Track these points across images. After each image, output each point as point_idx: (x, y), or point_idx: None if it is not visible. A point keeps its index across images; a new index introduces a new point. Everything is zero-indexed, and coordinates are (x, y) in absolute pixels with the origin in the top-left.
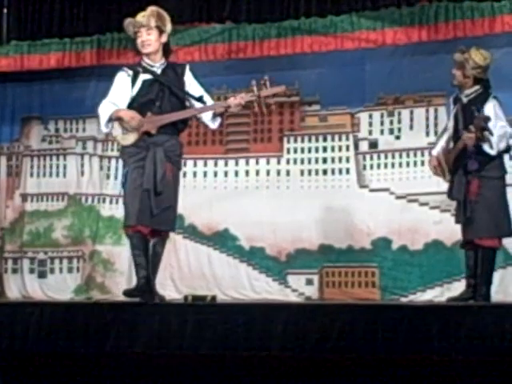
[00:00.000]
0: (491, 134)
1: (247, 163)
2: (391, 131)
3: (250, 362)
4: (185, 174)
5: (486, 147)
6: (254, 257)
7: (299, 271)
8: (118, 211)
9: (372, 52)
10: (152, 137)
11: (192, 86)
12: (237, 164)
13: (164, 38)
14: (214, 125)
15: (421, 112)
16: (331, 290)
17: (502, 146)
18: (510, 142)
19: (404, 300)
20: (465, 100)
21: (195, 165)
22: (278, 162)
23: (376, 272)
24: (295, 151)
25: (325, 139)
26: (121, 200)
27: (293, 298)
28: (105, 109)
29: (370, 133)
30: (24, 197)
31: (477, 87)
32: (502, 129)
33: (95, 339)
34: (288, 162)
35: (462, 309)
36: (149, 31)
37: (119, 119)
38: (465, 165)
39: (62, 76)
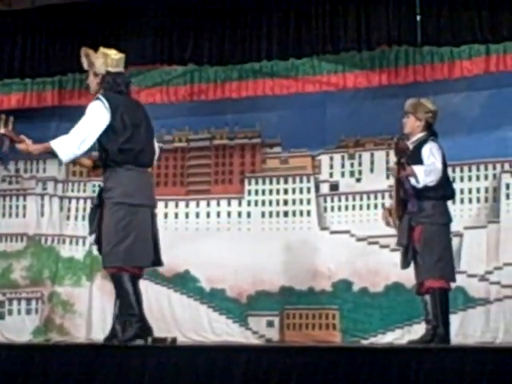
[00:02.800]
0: (408, 163)
1: (208, 205)
2: (352, 174)
3: None
4: None
5: (412, 181)
6: (215, 298)
7: (260, 313)
8: (77, 252)
9: (333, 95)
10: None
11: None
12: (198, 205)
13: (98, 78)
14: None
15: (381, 155)
16: (292, 332)
17: (429, 180)
18: (437, 177)
19: (365, 342)
20: (410, 147)
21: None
22: (239, 204)
23: (336, 314)
24: (256, 193)
25: (286, 181)
26: (81, 241)
27: (253, 340)
28: None
29: (331, 175)
30: None
31: (424, 133)
32: (432, 164)
33: (53, 382)
34: (249, 203)
35: (423, 351)
36: (88, 73)
37: None
38: (409, 213)
39: (22, 116)
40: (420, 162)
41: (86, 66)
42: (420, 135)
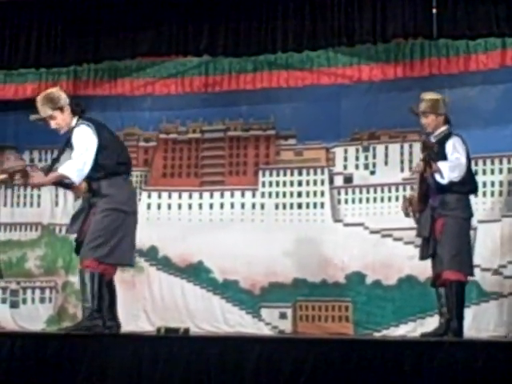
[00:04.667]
0: (433, 160)
1: (222, 196)
2: (366, 166)
3: None
4: (159, 206)
5: (437, 177)
6: (228, 290)
7: (273, 305)
8: None
9: (348, 87)
10: None
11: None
12: (212, 197)
13: (67, 110)
14: None
15: (395, 148)
16: (305, 323)
17: (454, 176)
18: (462, 173)
19: (377, 335)
20: (434, 141)
21: (170, 197)
22: (253, 196)
23: (349, 306)
24: (270, 185)
25: (300, 173)
26: None
27: (266, 331)
28: None
29: (345, 167)
30: None
31: (446, 127)
32: (456, 160)
33: (67, 371)
34: (263, 195)
35: (435, 344)
36: (51, 118)
37: None
38: (431, 206)
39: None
40: (444, 156)
41: (47, 112)
42: (442, 129)
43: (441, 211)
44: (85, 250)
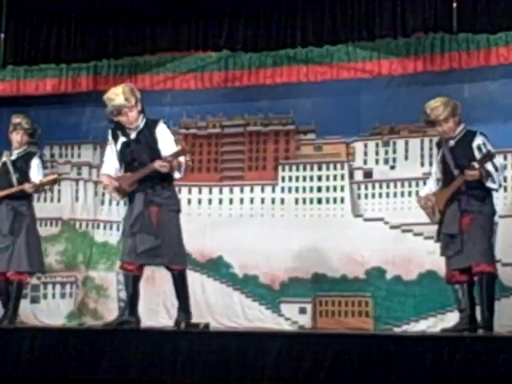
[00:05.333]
0: (497, 169)
1: (242, 191)
2: (386, 161)
3: None
4: None
5: (489, 183)
6: (248, 285)
7: (292, 300)
8: (111, 237)
9: (368, 82)
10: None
11: (162, 141)
12: (231, 192)
13: (139, 107)
14: (177, 176)
15: (416, 142)
16: (324, 319)
17: (501, 178)
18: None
19: (397, 330)
20: (452, 143)
21: (190, 192)
22: (273, 191)
23: (370, 302)
24: (290, 180)
25: (320, 168)
26: (115, 226)
27: (286, 326)
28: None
29: (365, 162)
30: None
31: (461, 127)
32: (500, 164)
33: (87, 365)
34: (283, 190)
35: (456, 340)
36: (131, 109)
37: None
38: (458, 202)
39: (57, 101)
40: (469, 155)
41: (131, 101)
42: (459, 129)
43: (468, 207)
44: (175, 254)
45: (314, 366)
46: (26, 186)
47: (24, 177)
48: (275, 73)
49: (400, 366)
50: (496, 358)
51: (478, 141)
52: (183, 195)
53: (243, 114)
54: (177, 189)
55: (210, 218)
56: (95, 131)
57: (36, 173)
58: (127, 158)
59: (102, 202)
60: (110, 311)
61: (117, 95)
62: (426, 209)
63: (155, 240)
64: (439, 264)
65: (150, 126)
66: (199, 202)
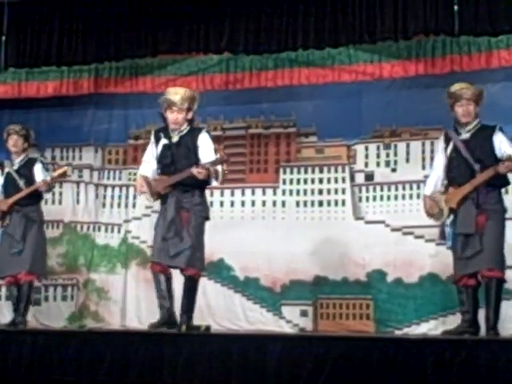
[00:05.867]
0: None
1: (243, 193)
2: (387, 164)
3: None
4: None
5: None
6: (249, 287)
7: (294, 302)
8: (112, 240)
9: (369, 85)
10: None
11: (202, 151)
12: (233, 194)
13: (190, 115)
14: (214, 183)
15: (417, 145)
16: (325, 321)
17: None
18: None
19: (398, 333)
20: (467, 135)
21: None
22: (274, 193)
23: (371, 304)
24: (291, 182)
25: (321, 171)
26: (116, 228)
27: (287, 329)
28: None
29: (366, 165)
30: None
31: (478, 120)
32: None
33: (88, 368)
34: (284, 192)
35: (457, 342)
36: (180, 111)
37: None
38: (473, 200)
39: (59, 104)
40: (488, 149)
41: (184, 105)
42: (476, 122)
43: (484, 205)
44: (195, 259)
45: (315, 368)
46: (39, 185)
47: (30, 183)
48: (276, 75)
49: (401, 368)
50: (497, 361)
51: (500, 134)
52: None
53: (244, 116)
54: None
55: (211, 220)
56: (96, 133)
57: (41, 177)
58: (166, 161)
59: (103, 205)
60: (111, 314)
61: (176, 93)
62: (432, 208)
63: (184, 244)
64: (440, 267)
65: (194, 132)
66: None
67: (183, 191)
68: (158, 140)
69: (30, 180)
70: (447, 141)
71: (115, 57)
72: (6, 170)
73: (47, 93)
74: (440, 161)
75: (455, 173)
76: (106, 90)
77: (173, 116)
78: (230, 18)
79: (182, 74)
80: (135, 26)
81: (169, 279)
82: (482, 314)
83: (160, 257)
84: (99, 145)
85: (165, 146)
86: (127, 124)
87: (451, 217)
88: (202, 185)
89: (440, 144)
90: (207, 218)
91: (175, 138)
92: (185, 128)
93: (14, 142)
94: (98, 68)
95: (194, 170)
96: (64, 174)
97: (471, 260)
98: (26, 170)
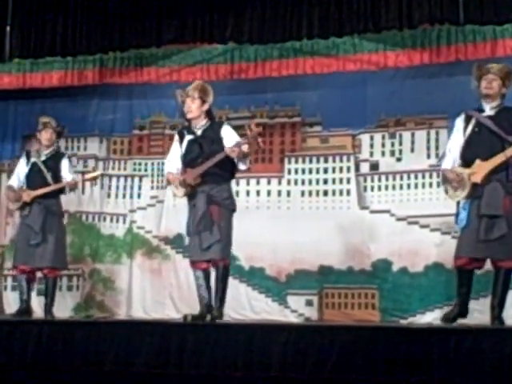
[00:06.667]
0: None
1: (248, 183)
2: (392, 153)
3: (249, 383)
4: None
5: None
6: (254, 277)
7: (299, 292)
8: (118, 230)
9: (374, 74)
10: (199, 186)
11: (227, 139)
12: (238, 184)
13: (206, 107)
14: (243, 167)
15: (422, 134)
16: (331, 311)
17: None
18: None
19: (404, 322)
20: (491, 112)
21: None
22: (279, 183)
23: (376, 294)
24: (296, 172)
25: (326, 160)
26: (121, 218)
27: (292, 318)
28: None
29: (371, 154)
30: None
31: (501, 101)
32: None
33: (94, 358)
34: (289, 182)
35: (462, 332)
36: (193, 101)
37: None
38: (505, 177)
39: (64, 94)
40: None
41: (194, 95)
42: (500, 102)
43: (509, 189)
44: (223, 248)
45: (321, 358)
46: (67, 183)
47: (56, 177)
48: (281, 65)
49: (406, 358)
50: (502, 350)
51: None
52: None
53: (249, 106)
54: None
55: None
56: (101, 124)
57: (67, 173)
58: (194, 154)
59: (109, 195)
60: (116, 304)
61: (192, 84)
62: (453, 182)
63: (215, 237)
64: (445, 256)
65: (215, 126)
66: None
67: (212, 185)
68: (182, 138)
69: (56, 174)
70: (467, 120)
71: (120, 47)
72: (32, 160)
73: (52, 83)
74: (458, 140)
75: (480, 148)
76: (110, 81)
77: (186, 105)
78: (235, 7)
79: (187, 64)
80: (140, 16)
81: (208, 274)
82: (487, 303)
83: (194, 253)
84: (104, 135)
85: (190, 141)
86: (132, 114)
87: (462, 202)
88: (229, 176)
89: (459, 124)
90: (234, 211)
91: (199, 132)
92: (206, 122)
93: (48, 135)
94: (103, 58)
95: (228, 149)
96: (95, 179)
97: (493, 243)
98: (54, 163)
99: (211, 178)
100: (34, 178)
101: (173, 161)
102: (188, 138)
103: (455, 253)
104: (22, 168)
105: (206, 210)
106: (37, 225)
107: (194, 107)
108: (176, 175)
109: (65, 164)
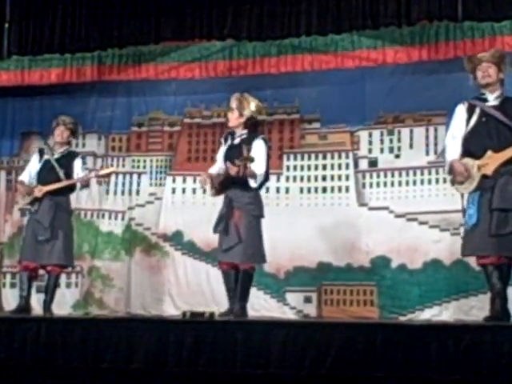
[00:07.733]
0: None
1: None
2: (391, 150)
3: (247, 380)
4: (184, 191)
5: None
6: None
7: (298, 289)
8: (116, 227)
9: (372, 71)
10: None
11: (254, 153)
12: None
13: (243, 119)
14: (253, 184)
15: (420, 131)
16: (329, 308)
17: None
18: None
19: (402, 319)
20: (496, 102)
21: (195, 181)
22: (278, 180)
23: (374, 290)
24: (295, 169)
25: (324, 157)
26: (120, 215)
27: (291, 315)
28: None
29: (370, 151)
30: (23, 211)
31: (501, 89)
32: None
33: (93, 355)
34: (287, 179)
35: (461, 328)
36: (232, 112)
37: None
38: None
39: (62, 91)
40: None
41: (232, 105)
42: (501, 90)
43: None
44: (251, 254)
45: (319, 354)
46: (80, 179)
47: (68, 176)
48: (280, 62)
49: (405, 354)
50: (502, 347)
51: None
52: (188, 185)
53: None
54: (182, 178)
55: (214, 207)
56: (100, 121)
57: (80, 172)
58: (228, 159)
59: (107, 192)
60: (115, 301)
61: (233, 96)
62: (461, 174)
63: (233, 240)
64: (444, 252)
65: (251, 137)
66: (204, 191)
67: (235, 191)
68: (226, 141)
69: (68, 172)
70: (471, 110)
71: (118, 44)
72: (45, 157)
73: (50, 80)
74: (461, 129)
75: (488, 139)
76: (109, 78)
77: (228, 117)
78: (233, 4)
79: (186, 61)
80: (138, 12)
81: (236, 274)
82: (486, 299)
83: (218, 253)
84: (102, 132)
85: (229, 146)
86: (130, 111)
87: (467, 196)
88: (245, 184)
89: (461, 113)
90: (260, 216)
91: (236, 140)
92: (245, 133)
93: (60, 132)
94: (101, 55)
95: (229, 166)
96: (109, 175)
97: (505, 238)
98: (67, 162)
99: (234, 184)
100: (46, 174)
101: (217, 162)
102: (229, 142)
103: (466, 250)
104: (33, 165)
105: (224, 213)
106: (46, 220)
107: (233, 118)
108: (211, 177)
109: (78, 163)
